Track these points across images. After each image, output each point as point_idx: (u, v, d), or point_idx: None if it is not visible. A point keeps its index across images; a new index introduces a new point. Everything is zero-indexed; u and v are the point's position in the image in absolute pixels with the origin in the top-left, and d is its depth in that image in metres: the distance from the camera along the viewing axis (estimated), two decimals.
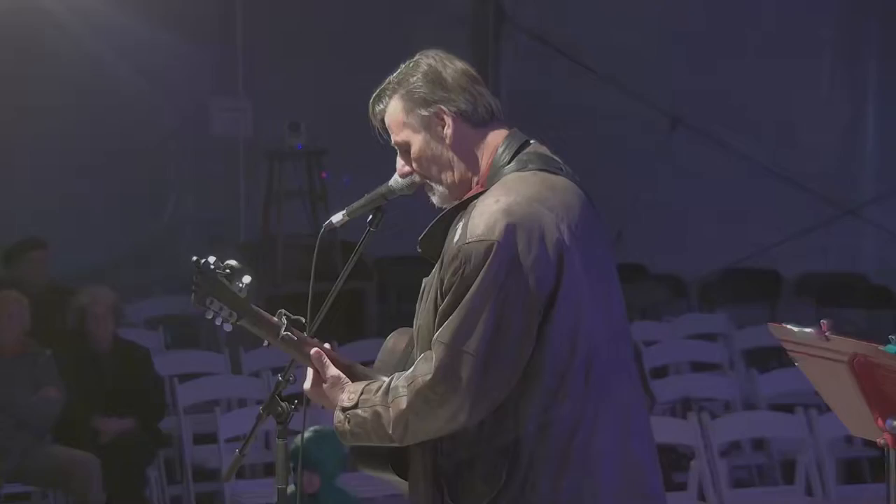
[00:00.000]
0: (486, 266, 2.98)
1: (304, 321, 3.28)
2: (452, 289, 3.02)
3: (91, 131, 9.92)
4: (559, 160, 3.22)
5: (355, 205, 3.35)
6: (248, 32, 10.49)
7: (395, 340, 3.35)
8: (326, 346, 3.29)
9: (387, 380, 3.13)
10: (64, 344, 7.51)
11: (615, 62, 11.06)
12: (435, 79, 3.19)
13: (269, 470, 7.59)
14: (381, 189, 3.32)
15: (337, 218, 3.35)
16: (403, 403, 3.04)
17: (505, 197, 3.05)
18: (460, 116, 3.19)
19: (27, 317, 7.25)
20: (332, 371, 3.22)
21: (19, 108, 9.69)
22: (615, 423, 3.08)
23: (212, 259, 3.22)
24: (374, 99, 3.27)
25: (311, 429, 5.52)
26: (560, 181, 3.15)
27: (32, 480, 7.14)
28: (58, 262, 8.75)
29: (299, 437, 3.39)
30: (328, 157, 9.96)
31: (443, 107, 3.18)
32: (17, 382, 7.06)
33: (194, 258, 3.22)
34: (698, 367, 8.90)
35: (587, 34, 11.10)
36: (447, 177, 3.21)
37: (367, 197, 3.34)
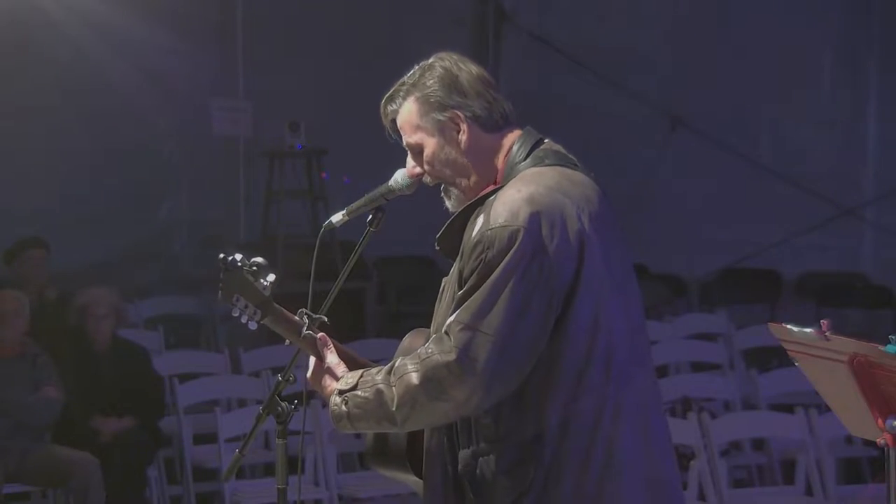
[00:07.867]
0: (511, 251, 2.96)
1: (325, 320, 3.27)
2: (475, 273, 2.99)
3: (91, 131, 9.92)
4: (573, 157, 3.22)
5: (355, 205, 3.34)
6: (248, 32, 10.49)
7: (411, 339, 3.30)
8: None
9: (389, 364, 3.10)
10: (64, 344, 7.50)
11: (615, 62, 11.06)
12: (451, 83, 3.18)
13: (269, 470, 7.59)
14: (382, 189, 3.32)
15: (337, 218, 3.35)
16: (415, 379, 2.98)
17: (526, 187, 3.04)
18: (475, 122, 3.18)
19: (27, 316, 7.24)
20: (333, 357, 3.22)
21: (19, 108, 9.69)
22: (636, 417, 3.06)
23: (238, 256, 3.24)
24: (386, 99, 3.26)
25: None
26: (578, 175, 3.15)
27: (32, 480, 7.13)
28: (58, 262, 8.74)
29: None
30: (328, 157, 9.95)
31: (458, 112, 3.17)
32: (17, 382, 7.05)
33: (221, 255, 3.24)
34: (698, 367, 8.89)
35: (587, 34, 11.11)
36: (461, 181, 3.21)
37: (367, 197, 3.33)
